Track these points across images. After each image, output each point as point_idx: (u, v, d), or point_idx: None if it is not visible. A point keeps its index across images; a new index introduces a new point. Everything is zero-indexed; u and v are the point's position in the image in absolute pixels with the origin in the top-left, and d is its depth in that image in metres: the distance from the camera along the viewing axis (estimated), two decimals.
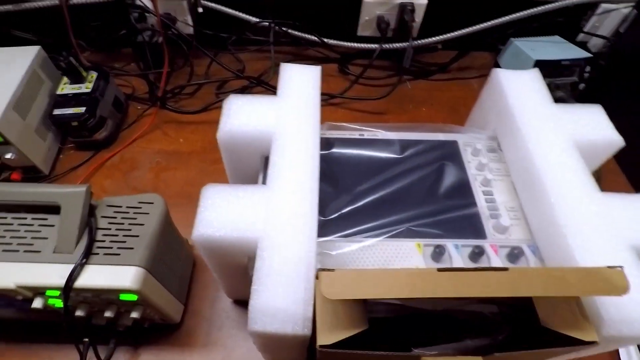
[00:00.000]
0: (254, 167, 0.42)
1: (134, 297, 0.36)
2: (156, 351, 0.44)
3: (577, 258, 0.31)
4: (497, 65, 0.72)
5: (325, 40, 0.70)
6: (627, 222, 0.33)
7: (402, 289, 0.23)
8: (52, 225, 0.38)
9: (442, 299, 0.27)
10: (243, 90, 0.70)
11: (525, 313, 0.26)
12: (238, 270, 0.37)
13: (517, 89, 0.43)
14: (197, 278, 0.50)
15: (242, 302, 0.48)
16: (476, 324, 0.30)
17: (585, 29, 0.70)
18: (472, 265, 0.35)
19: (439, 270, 0.23)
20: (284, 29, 0.70)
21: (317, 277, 0.26)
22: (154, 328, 0.44)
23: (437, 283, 0.23)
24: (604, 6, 0.67)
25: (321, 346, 0.25)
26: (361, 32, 0.71)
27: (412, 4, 0.66)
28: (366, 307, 0.27)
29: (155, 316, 0.41)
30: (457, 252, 0.36)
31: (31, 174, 0.57)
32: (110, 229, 0.38)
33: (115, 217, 0.39)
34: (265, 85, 0.69)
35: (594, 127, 0.40)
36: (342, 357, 0.26)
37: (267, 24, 0.69)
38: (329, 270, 0.24)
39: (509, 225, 0.37)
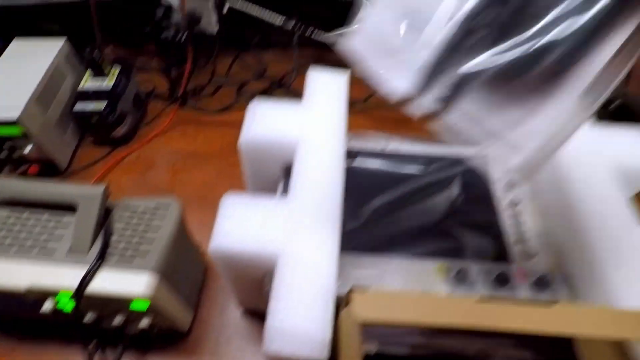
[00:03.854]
0: (274, 176, 0.41)
1: (145, 306, 0.35)
2: (163, 359, 0.43)
3: (617, 293, 0.29)
4: None
5: None
6: None
7: (440, 315, 0.21)
8: (68, 225, 0.37)
9: (474, 338, 0.26)
10: (264, 93, 0.69)
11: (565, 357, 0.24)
12: (253, 283, 0.36)
13: None
14: (207, 285, 0.48)
15: (252, 313, 0.47)
16: None
17: None
18: (495, 292, 0.33)
19: (481, 300, 0.22)
20: (307, 33, 0.69)
21: (347, 299, 0.24)
22: (161, 335, 0.43)
23: (479, 313, 0.21)
24: None
25: None
26: None
27: None
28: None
29: (164, 324, 0.40)
30: (480, 277, 0.34)
31: (48, 168, 0.57)
32: (125, 230, 0.37)
33: (131, 220, 0.38)
34: (287, 88, 0.68)
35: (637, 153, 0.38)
36: None
37: (291, 27, 0.68)
38: (361, 289, 0.23)
39: (537, 251, 0.35)
